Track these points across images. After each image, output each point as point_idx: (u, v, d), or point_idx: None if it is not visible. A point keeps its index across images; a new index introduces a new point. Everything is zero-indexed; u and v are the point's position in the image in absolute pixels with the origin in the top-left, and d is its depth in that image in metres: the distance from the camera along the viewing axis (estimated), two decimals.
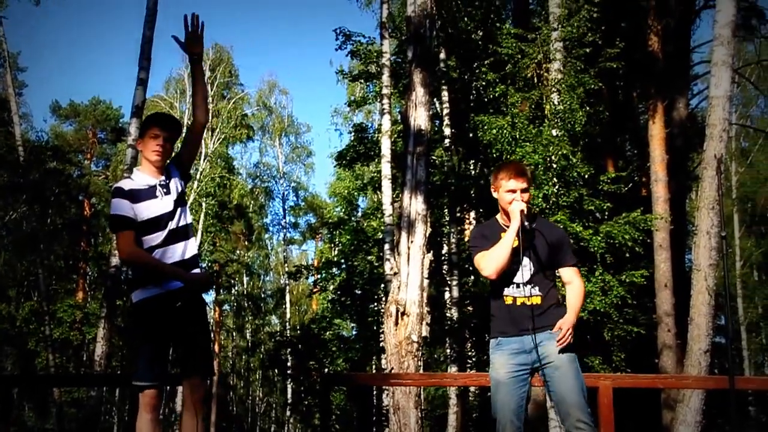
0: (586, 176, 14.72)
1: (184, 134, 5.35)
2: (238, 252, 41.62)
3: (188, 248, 4.97)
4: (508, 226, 4.95)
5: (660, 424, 16.27)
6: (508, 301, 4.93)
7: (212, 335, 38.77)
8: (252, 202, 40.78)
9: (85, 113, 42.93)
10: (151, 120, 5.14)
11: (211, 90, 36.46)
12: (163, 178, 4.98)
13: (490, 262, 4.90)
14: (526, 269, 4.89)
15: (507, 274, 4.91)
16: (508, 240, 4.85)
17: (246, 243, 41.96)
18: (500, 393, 4.85)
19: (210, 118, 5.24)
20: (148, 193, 4.89)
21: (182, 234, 4.96)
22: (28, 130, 37.49)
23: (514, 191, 4.94)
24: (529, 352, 4.83)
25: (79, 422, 21.10)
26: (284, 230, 42.18)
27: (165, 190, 4.94)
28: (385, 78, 18.89)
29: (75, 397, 30.15)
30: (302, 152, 42.61)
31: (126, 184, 4.93)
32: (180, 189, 5.04)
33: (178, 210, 4.96)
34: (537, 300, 4.87)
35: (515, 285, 4.92)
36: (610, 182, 15.67)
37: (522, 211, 4.86)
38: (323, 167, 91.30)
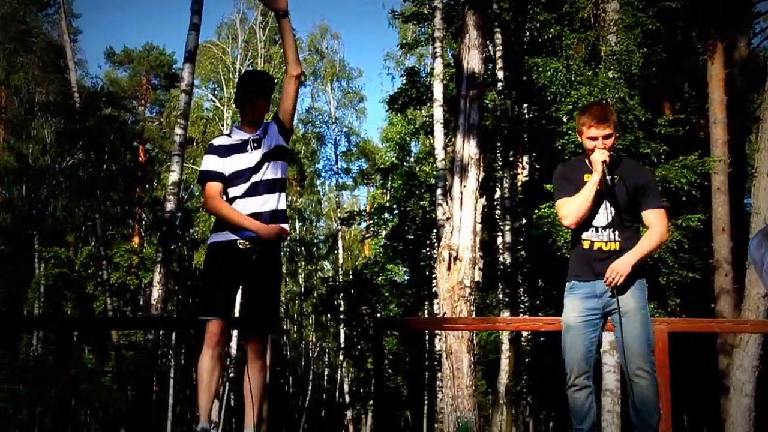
0: (643, 119, 14.44)
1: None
2: (290, 198, 41.83)
3: (268, 202, 5.07)
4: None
5: (716, 369, 16.12)
6: (585, 245, 4.82)
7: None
8: (304, 147, 40.79)
9: (138, 59, 43.13)
10: (241, 79, 5.34)
11: (263, 35, 36.40)
12: (258, 132, 5.14)
13: (569, 211, 4.80)
14: (606, 213, 4.77)
15: (586, 218, 4.80)
16: (589, 191, 4.73)
17: (298, 188, 42.07)
18: (570, 336, 4.79)
19: (302, 69, 5.32)
20: (239, 148, 5.10)
21: (265, 187, 5.07)
22: (84, 77, 37.93)
23: (596, 138, 4.78)
24: (599, 296, 4.75)
25: (137, 365, 21.53)
26: (336, 176, 42.17)
27: (255, 145, 5.10)
28: (437, 20, 18.63)
29: (132, 341, 30.79)
30: (354, 97, 42.39)
31: (217, 141, 5.21)
32: (274, 143, 5.13)
33: (266, 164, 5.07)
34: (615, 246, 4.75)
35: (594, 229, 4.81)
36: (667, 125, 15.36)
37: (604, 161, 4.71)
38: (375, 112, 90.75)
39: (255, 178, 5.03)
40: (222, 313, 4.95)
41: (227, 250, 4.99)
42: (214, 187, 5.04)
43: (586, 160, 4.89)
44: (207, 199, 5.08)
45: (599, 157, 4.73)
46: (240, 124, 5.25)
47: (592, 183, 4.74)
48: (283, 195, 5.18)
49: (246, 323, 5.12)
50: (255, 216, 4.99)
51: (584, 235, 4.83)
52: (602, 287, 4.73)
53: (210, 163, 5.09)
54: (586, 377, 4.77)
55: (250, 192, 5.03)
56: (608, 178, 4.70)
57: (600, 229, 4.80)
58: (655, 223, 4.84)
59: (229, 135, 5.21)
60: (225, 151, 5.08)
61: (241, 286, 5.05)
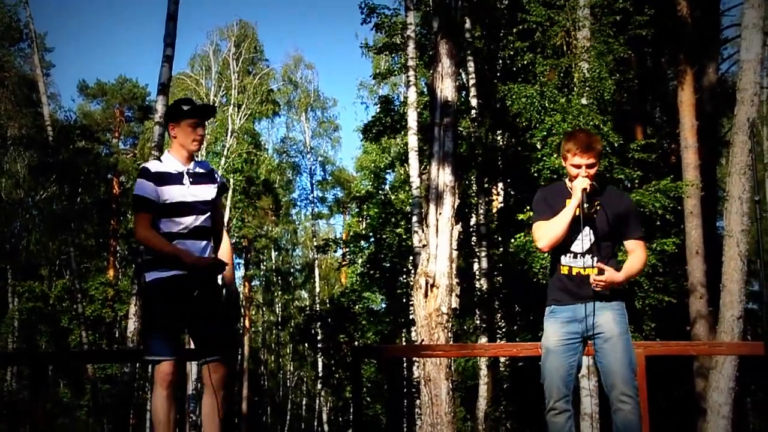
0: (616, 145, 14.59)
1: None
2: (266, 227, 41.73)
3: (209, 249, 5.03)
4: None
5: (693, 392, 16.20)
6: (564, 270, 4.84)
7: (242, 311, 38.98)
8: (279, 177, 40.83)
9: (112, 92, 43.05)
10: (191, 109, 5.05)
11: (237, 66, 36.44)
12: (192, 166, 5.03)
13: (544, 235, 4.83)
14: (585, 239, 4.79)
15: (565, 243, 4.82)
16: (566, 216, 4.75)
17: (274, 218, 42.01)
18: (549, 360, 4.79)
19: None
20: (175, 178, 4.94)
21: (203, 233, 5.02)
22: (57, 110, 37.79)
23: (579, 167, 4.80)
24: (580, 321, 4.75)
25: (113, 398, 21.35)
26: (312, 205, 42.25)
27: (191, 179, 4.98)
28: (411, 50, 18.74)
29: (108, 374, 30.49)
30: (329, 126, 42.54)
31: (153, 166, 4.99)
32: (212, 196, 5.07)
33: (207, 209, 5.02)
34: (594, 271, 4.76)
35: (572, 255, 4.83)
36: (639, 150, 15.51)
37: (584, 189, 4.73)
38: (350, 141, 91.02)
39: (194, 216, 4.99)
40: (170, 352, 4.84)
41: (167, 287, 4.87)
42: (147, 217, 4.93)
43: (567, 183, 4.92)
44: (140, 229, 4.96)
45: (580, 184, 4.75)
46: (172, 151, 5.12)
47: (569, 208, 4.76)
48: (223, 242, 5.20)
49: (199, 355, 4.97)
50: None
51: (563, 261, 4.85)
52: (583, 311, 4.75)
53: (145, 189, 4.92)
54: (566, 401, 4.76)
55: (193, 234, 5.01)
56: (586, 205, 4.72)
57: (578, 255, 4.82)
58: (638, 251, 4.92)
59: (160, 160, 5.09)
60: (161, 180, 4.94)
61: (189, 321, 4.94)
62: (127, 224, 38.61)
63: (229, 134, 34.29)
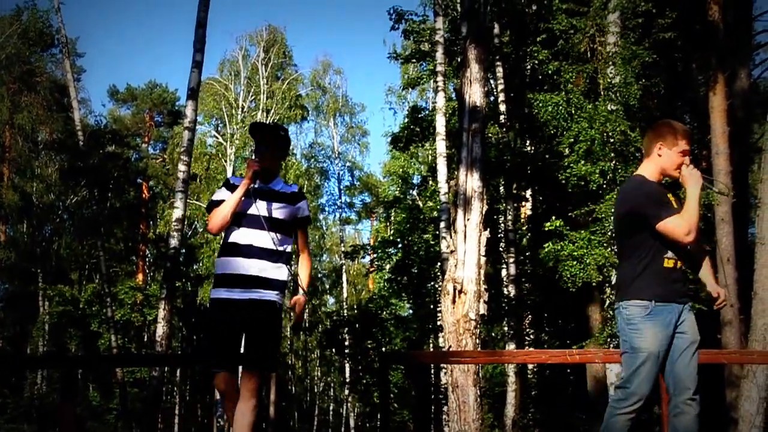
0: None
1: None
2: None
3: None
4: (663, 184, 4.76)
5: (724, 401, 16.02)
6: (669, 263, 4.68)
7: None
8: (307, 182, 40.91)
9: (141, 97, 43.41)
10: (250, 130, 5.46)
11: (266, 71, 36.59)
12: (261, 184, 5.23)
13: (691, 227, 4.60)
14: None
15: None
16: (696, 201, 4.62)
17: None
18: (648, 366, 4.61)
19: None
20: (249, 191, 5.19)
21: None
22: (87, 115, 38.17)
23: (686, 154, 4.72)
24: (677, 324, 4.68)
25: (142, 401, 21.45)
26: (340, 210, 42.29)
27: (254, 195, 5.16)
28: (439, 55, 18.76)
29: (137, 377, 30.69)
30: (357, 132, 42.57)
31: (233, 178, 5.32)
32: (279, 216, 5.20)
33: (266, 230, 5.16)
34: (683, 266, 4.73)
35: (680, 248, 4.70)
36: None
37: (702, 175, 4.68)
38: (378, 146, 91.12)
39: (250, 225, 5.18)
40: (221, 363, 5.08)
41: (223, 307, 5.06)
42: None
43: (648, 179, 4.80)
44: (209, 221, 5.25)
45: (695, 173, 4.69)
46: None
47: (694, 197, 4.64)
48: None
49: (239, 361, 5.15)
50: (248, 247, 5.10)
51: (669, 253, 4.69)
52: (677, 314, 4.67)
53: (218, 194, 5.25)
54: (646, 409, 4.71)
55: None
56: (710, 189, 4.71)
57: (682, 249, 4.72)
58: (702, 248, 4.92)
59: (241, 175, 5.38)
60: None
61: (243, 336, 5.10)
62: (156, 229, 38.89)
63: None
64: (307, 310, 44.54)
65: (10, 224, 37.03)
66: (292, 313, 5.22)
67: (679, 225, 4.61)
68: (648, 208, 4.67)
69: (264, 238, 5.08)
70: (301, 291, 5.15)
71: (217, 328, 5.05)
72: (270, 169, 5.25)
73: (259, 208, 5.09)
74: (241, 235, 5.09)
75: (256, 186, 5.16)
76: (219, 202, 5.13)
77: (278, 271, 5.11)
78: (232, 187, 5.17)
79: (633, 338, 4.66)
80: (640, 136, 14.46)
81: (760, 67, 23.71)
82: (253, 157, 5.22)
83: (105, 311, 29.44)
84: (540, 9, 19.17)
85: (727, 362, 14.03)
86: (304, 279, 5.20)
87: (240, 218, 5.09)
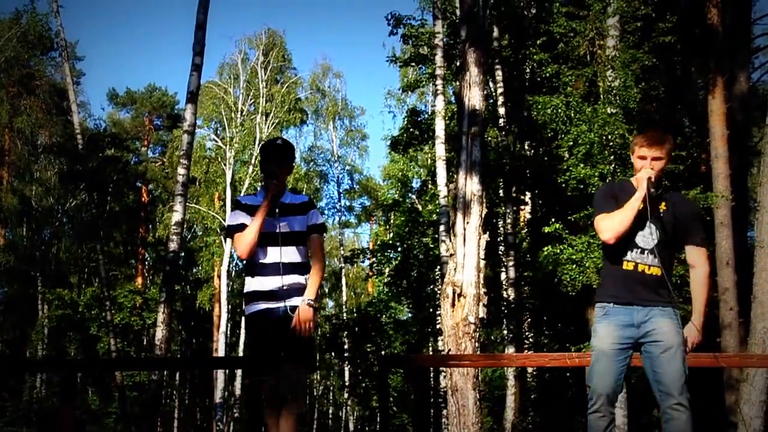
0: None
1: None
2: None
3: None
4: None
5: (723, 405, 16.02)
6: (628, 266, 4.76)
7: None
8: (307, 185, 40.86)
9: (141, 100, 43.42)
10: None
11: (265, 74, 36.57)
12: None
13: (610, 226, 4.74)
14: (651, 236, 4.75)
15: (631, 238, 4.75)
16: (632, 205, 4.71)
17: None
18: (600, 364, 4.74)
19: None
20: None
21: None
22: (86, 119, 38.24)
23: (644, 158, 4.81)
24: (637, 326, 4.71)
25: (141, 405, 21.43)
26: (339, 213, 42.25)
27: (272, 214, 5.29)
28: (438, 58, 18.76)
29: (137, 381, 30.67)
30: (356, 135, 42.51)
31: (244, 199, 5.45)
32: (297, 228, 5.33)
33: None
34: (657, 271, 4.72)
35: (639, 250, 4.76)
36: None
37: (649, 178, 4.72)
38: (377, 150, 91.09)
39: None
40: (263, 372, 5.23)
41: (258, 320, 5.25)
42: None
43: (633, 181, 4.93)
44: (238, 245, 5.27)
45: (645, 174, 4.76)
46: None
47: (635, 198, 4.73)
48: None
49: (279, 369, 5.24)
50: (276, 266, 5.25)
51: (628, 256, 4.77)
52: (640, 316, 4.70)
53: (236, 218, 5.32)
54: (611, 405, 4.75)
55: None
56: (652, 191, 4.70)
57: (646, 252, 4.75)
58: (700, 261, 4.89)
59: (255, 195, 5.43)
60: (250, 210, 5.28)
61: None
62: (155, 232, 38.88)
63: (257, 143, 34.36)
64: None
65: (9, 228, 37.03)
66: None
67: (600, 222, 4.80)
68: (596, 206, 4.92)
69: (289, 254, 5.26)
70: (305, 301, 5.18)
71: (260, 338, 5.23)
72: (280, 185, 5.37)
73: (278, 225, 5.24)
74: (268, 254, 5.24)
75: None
76: (239, 227, 5.24)
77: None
78: (245, 208, 5.30)
79: (592, 338, 4.85)
80: None
81: (759, 71, 23.75)
82: (262, 175, 5.37)
83: (104, 315, 29.44)
84: (539, 12, 19.20)
85: (727, 365, 14.01)
86: (310, 288, 5.25)
87: (262, 238, 5.20)
